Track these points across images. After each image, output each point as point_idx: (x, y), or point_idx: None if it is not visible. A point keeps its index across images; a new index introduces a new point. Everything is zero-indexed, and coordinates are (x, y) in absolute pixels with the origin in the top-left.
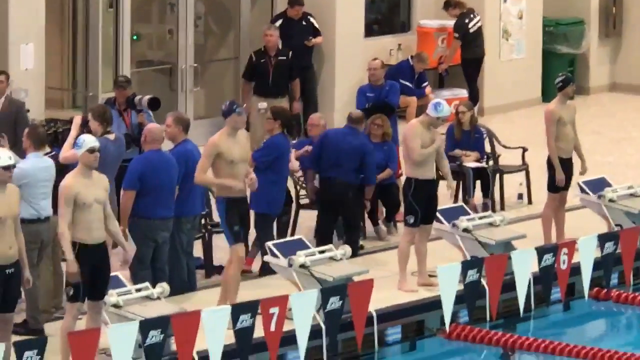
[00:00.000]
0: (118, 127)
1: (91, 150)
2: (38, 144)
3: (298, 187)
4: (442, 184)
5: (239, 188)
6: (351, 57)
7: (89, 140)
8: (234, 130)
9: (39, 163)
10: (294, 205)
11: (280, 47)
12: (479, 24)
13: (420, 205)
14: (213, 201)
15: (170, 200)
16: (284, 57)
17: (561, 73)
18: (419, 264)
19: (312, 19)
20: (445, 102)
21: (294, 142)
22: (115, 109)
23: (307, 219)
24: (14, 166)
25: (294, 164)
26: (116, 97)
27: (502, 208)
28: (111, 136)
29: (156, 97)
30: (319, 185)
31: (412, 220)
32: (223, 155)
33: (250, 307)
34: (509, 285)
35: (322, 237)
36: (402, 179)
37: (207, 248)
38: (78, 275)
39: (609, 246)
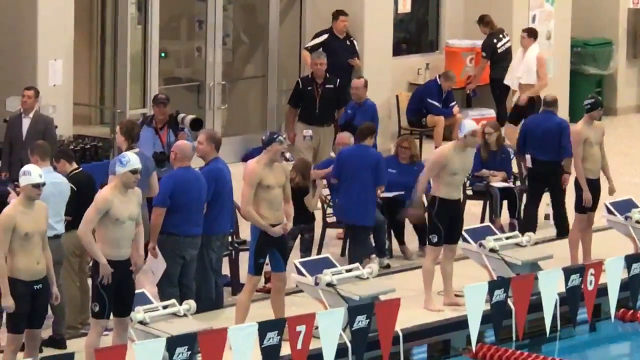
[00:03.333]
0: (154, 145)
1: (134, 171)
2: (44, 157)
3: (325, 205)
4: (469, 204)
5: (277, 233)
6: (379, 75)
7: (134, 161)
8: (271, 160)
9: (48, 178)
10: (321, 223)
11: (327, 75)
12: (508, 44)
13: (444, 224)
14: (241, 220)
15: (199, 217)
16: (331, 86)
17: (591, 95)
18: (445, 283)
19: (354, 41)
20: (467, 120)
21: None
22: (152, 126)
23: (333, 238)
24: (44, 184)
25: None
26: (154, 115)
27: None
28: (135, 151)
29: (199, 118)
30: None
31: (435, 240)
32: (261, 182)
33: (277, 325)
34: (535, 306)
35: (529, 219)
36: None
37: (234, 266)
38: (109, 276)
39: (636, 267)
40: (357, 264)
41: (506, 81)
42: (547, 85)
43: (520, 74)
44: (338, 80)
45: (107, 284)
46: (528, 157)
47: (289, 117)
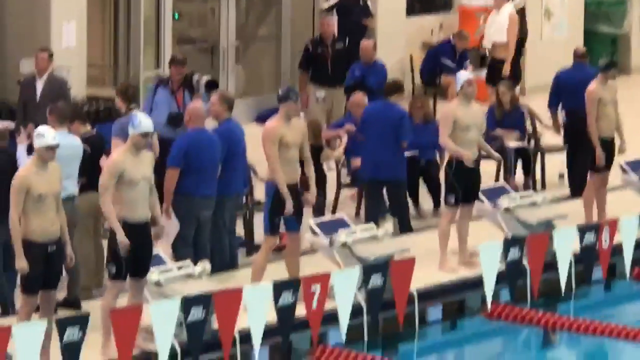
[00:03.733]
0: (169, 106)
1: (144, 135)
2: (62, 120)
3: (339, 167)
4: (483, 163)
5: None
6: (393, 35)
7: (146, 124)
8: (288, 116)
9: (62, 140)
10: (335, 184)
11: (336, 34)
12: (521, 4)
13: (461, 184)
14: (255, 180)
15: (213, 179)
16: (341, 46)
17: (606, 55)
18: (460, 243)
19: (368, 1)
20: (461, 72)
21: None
22: (169, 87)
23: (348, 198)
24: (57, 146)
25: (340, 151)
26: (172, 75)
27: (544, 187)
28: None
29: (214, 79)
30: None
31: (452, 200)
32: (281, 140)
33: (292, 285)
34: (550, 265)
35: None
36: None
37: (249, 226)
38: (127, 247)
39: None
40: (372, 224)
41: (484, 43)
42: (513, 47)
43: (492, 32)
44: (347, 38)
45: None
46: (560, 113)
47: (300, 80)
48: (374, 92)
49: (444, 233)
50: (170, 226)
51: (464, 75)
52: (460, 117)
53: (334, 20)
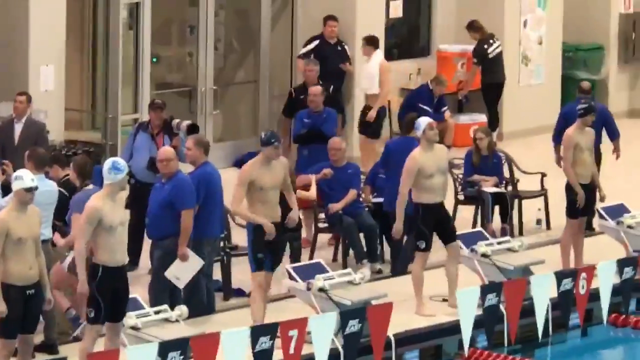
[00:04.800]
0: (149, 151)
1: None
2: (39, 165)
3: (316, 212)
4: (460, 209)
5: (269, 229)
6: None
7: (124, 166)
8: (267, 159)
9: (39, 186)
10: (312, 229)
11: (320, 82)
12: (498, 49)
13: (430, 229)
14: (232, 224)
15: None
16: (325, 92)
17: (584, 101)
18: (450, 285)
19: (346, 47)
20: (421, 118)
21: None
22: (148, 132)
23: (326, 243)
24: (36, 188)
25: (313, 192)
26: (151, 120)
27: (521, 233)
28: (90, 188)
29: (195, 124)
30: None
31: (422, 246)
32: (254, 183)
33: (270, 330)
34: (528, 310)
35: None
36: None
37: (226, 271)
38: (86, 297)
39: (628, 271)
40: (349, 270)
41: (356, 92)
42: (390, 93)
43: (364, 84)
44: (332, 87)
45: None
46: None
47: (283, 127)
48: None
49: (417, 278)
50: (184, 269)
51: (423, 120)
52: (424, 165)
53: (316, 66)
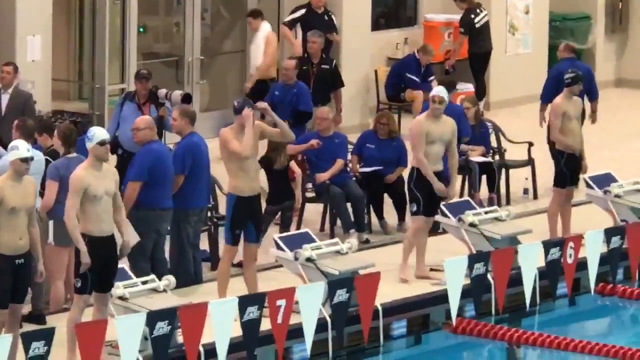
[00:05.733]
0: None
1: (102, 143)
2: (27, 136)
3: (304, 182)
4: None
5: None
6: (358, 51)
7: (99, 133)
8: (241, 126)
9: None
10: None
11: (324, 55)
12: (485, 19)
13: (422, 193)
14: (219, 194)
15: (170, 191)
16: (327, 66)
17: (571, 70)
18: (418, 255)
19: (333, 16)
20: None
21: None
22: (135, 102)
23: (313, 213)
24: (32, 158)
25: (295, 167)
26: (137, 90)
27: (508, 203)
28: (73, 156)
29: (188, 93)
30: None
31: (414, 209)
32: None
33: (257, 300)
34: (515, 280)
35: None
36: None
37: (213, 241)
38: (88, 266)
39: (616, 241)
40: (336, 239)
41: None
42: (271, 66)
43: (254, 57)
44: (334, 61)
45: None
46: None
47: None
48: (302, 115)
49: (407, 242)
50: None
51: (435, 90)
52: (429, 131)
53: (320, 38)
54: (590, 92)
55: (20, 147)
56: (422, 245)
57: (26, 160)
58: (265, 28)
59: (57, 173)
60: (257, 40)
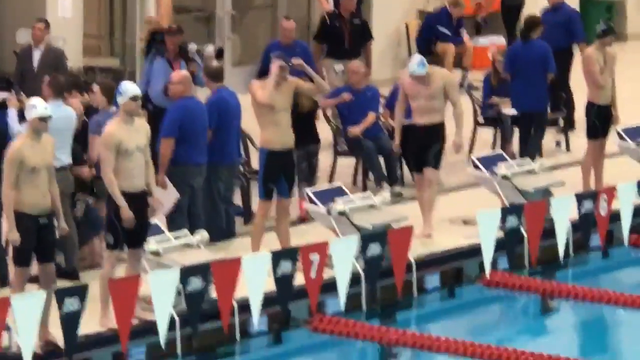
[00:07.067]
0: (166, 76)
1: (134, 98)
2: (58, 92)
3: (336, 135)
4: (480, 131)
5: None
6: (389, 4)
7: (131, 88)
8: (277, 83)
9: (57, 112)
10: (332, 153)
11: (354, 11)
12: None
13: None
14: (252, 149)
15: (204, 146)
16: (358, 21)
17: (603, 21)
18: (424, 212)
19: None
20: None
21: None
22: (165, 57)
23: (345, 167)
24: (50, 117)
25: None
26: (167, 45)
27: (540, 155)
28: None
29: (221, 47)
30: None
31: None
32: (271, 105)
33: (291, 254)
34: (548, 232)
35: None
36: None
37: (246, 195)
38: (133, 221)
39: None
40: (369, 193)
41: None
42: (165, 17)
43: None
44: (359, 19)
45: (127, 227)
46: None
47: (314, 52)
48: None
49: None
50: (168, 196)
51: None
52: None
53: None
54: (577, 33)
55: (38, 106)
56: (425, 201)
57: (44, 119)
58: None
59: (99, 127)
60: None
